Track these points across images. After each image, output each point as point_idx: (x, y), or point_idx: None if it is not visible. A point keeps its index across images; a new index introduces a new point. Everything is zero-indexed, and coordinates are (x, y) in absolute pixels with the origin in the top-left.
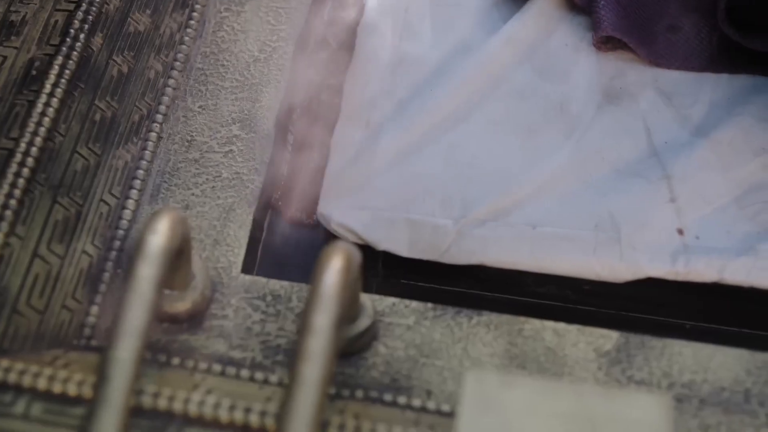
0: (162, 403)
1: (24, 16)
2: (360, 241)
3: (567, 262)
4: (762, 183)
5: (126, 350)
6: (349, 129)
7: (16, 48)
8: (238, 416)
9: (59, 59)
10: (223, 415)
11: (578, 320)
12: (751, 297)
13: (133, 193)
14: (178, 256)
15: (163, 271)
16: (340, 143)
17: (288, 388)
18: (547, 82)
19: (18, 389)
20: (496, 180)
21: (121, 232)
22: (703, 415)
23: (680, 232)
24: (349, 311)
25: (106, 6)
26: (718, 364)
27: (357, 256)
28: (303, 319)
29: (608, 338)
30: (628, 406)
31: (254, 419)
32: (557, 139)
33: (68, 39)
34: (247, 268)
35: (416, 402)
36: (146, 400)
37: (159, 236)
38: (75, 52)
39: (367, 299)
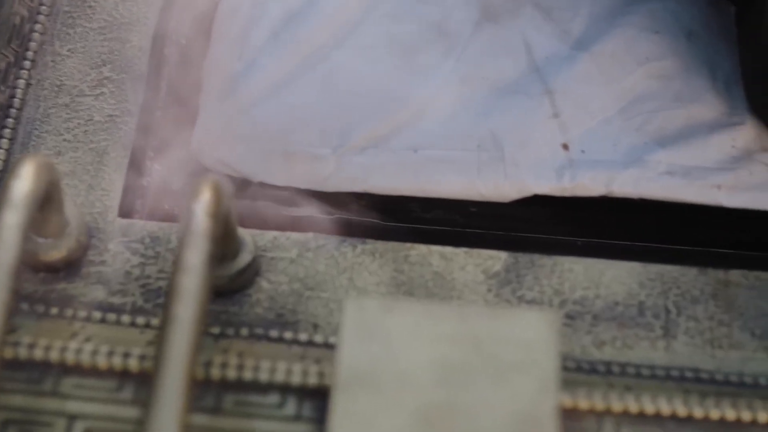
0: (38, 354)
1: None
2: (236, 175)
3: (451, 184)
4: (646, 93)
5: None
6: (221, 63)
7: None
8: (117, 362)
9: None
10: (102, 362)
11: (467, 244)
12: (641, 209)
13: (3, 142)
14: (48, 203)
15: (28, 217)
16: (213, 77)
17: (162, 328)
18: (423, 2)
19: None
20: (374, 106)
21: None
22: (597, 331)
23: (565, 147)
24: (226, 247)
25: None
26: (610, 278)
27: (227, 189)
28: (175, 258)
29: (497, 259)
30: (514, 324)
31: (133, 364)
32: (435, 60)
33: None
34: (124, 212)
35: (303, 336)
36: (22, 352)
37: (23, 181)
38: None
39: (247, 234)
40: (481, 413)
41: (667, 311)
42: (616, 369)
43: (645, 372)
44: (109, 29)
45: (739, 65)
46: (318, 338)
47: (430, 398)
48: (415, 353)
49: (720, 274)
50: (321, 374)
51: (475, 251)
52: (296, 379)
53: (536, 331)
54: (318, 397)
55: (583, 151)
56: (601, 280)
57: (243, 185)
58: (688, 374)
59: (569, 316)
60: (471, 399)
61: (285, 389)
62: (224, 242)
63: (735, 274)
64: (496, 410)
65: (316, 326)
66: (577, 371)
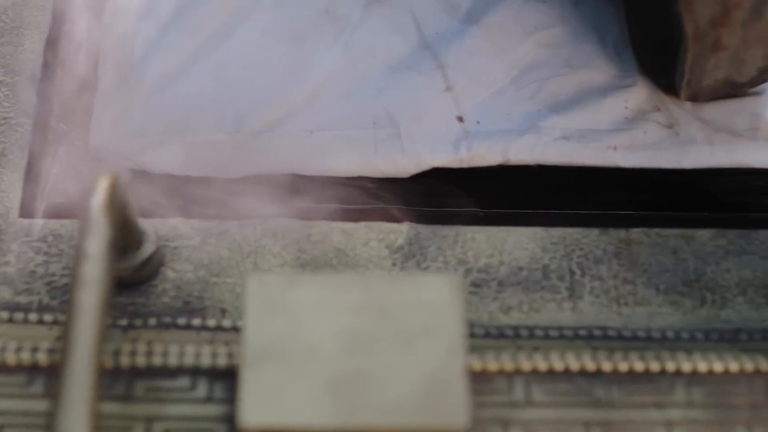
0: None
1: None
2: (135, 166)
3: (348, 162)
4: (537, 62)
5: None
6: (114, 58)
7: None
8: (26, 357)
9: None
10: (10, 358)
11: (368, 219)
12: (539, 177)
13: None
14: None
15: None
16: (107, 73)
17: (67, 318)
18: None
19: None
20: (268, 91)
21: None
22: (503, 297)
23: (460, 119)
24: (127, 238)
25: None
26: (513, 244)
27: (122, 180)
28: (75, 249)
29: (398, 232)
30: (418, 289)
31: (42, 358)
32: (327, 43)
33: None
34: (25, 212)
35: (211, 322)
36: None
37: None
38: None
39: (148, 225)
40: (390, 378)
41: (572, 273)
42: (524, 332)
43: (553, 333)
44: (0, 34)
45: (626, 28)
46: (226, 323)
47: (338, 367)
48: (322, 324)
49: (621, 233)
50: (230, 355)
51: (376, 225)
52: (206, 362)
53: (440, 294)
54: (228, 378)
55: (478, 123)
56: (504, 247)
57: (142, 176)
58: (597, 332)
59: (475, 284)
60: (379, 365)
61: (195, 372)
62: (124, 233)
63: (636, 233)
64: (404, 375)
65: (223, 311)
66: (485, 337)
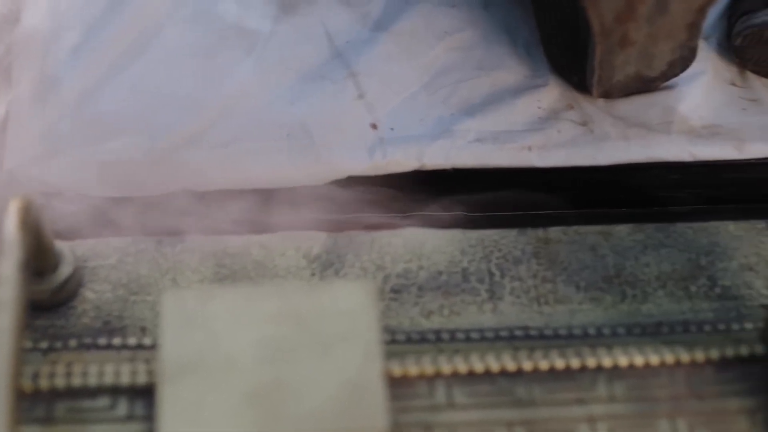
0: None
1: None
2: (52, 189)
3: (264, 174)
4: (448, 66)
5: None
6: (26, 82)
7: None
8: None
9: None
10: None
11: (284, 229)
12: (454, 180)
13: None
14: None
15: None
16: (20, 97)
17: None
18: (220, 2)
19: None
20: (182, 107)
21: None
22: (423, 302)
23: (374, 126)
24: (43, 261)
25: None
26: (432, 248)
27: (35, 202)
28: None
29: (315, 240)
30: (333, 297)
31: None
32: (238, 57)
33: None
34: None
35: (131, 340)
36: None
37: None
38: None
39: (65, 247)
40: (309, 387)
41: (491, 274)
42: (445, 336)
43: (474, 336)
44: None
45: (536, 28)
46: (147, 341)
47: (257, 378)
48: (239, 336)
49: (539, 232)
50: (150, 372)
51: (293, 234)
52: (125, 380)
53: (355, 301)
54: (149, 395)
55: (392, 129)
56: (423, 251)
57: (57, 196)
58: (518, 333)
59: (395, 290)
60: (298, 374)
61: (115, 391)
62: (39, 256)
63: (554, 231)
64: (323, 382)
65: (144, 329)
66: (407, 343)
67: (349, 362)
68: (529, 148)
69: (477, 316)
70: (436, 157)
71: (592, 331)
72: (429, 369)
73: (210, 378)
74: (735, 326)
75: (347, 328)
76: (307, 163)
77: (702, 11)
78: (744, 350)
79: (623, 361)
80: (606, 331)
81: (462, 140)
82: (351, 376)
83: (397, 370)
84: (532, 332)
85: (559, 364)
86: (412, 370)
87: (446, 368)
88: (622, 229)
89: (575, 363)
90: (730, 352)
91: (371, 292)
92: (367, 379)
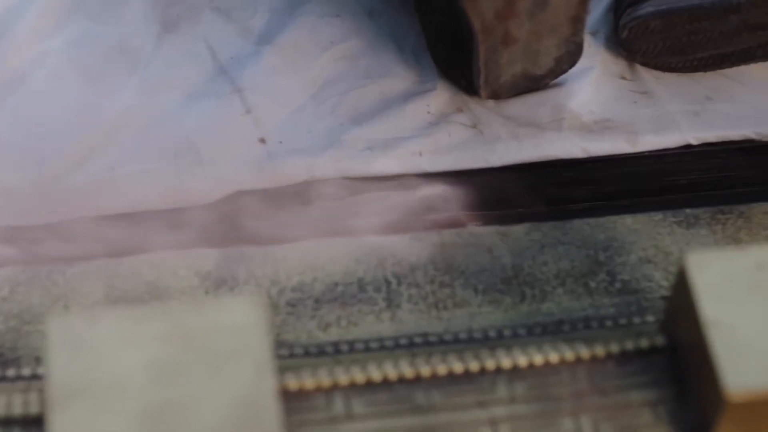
0: None
1: None
2: None
3: (152, 195)
4: (335, 76)
5: None
6: None
7: None
8: None
9: None
10: None
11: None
12: (346, 189)
13: None
14: None
15: None
16: None
17: None
18: (102, 25)
19: None
20: (66, 132)
21: None
22: (320, 314)
23: (262, 141)
24: None
25: None
26: (326, 260)
27: None
28: None
29: (207, 258)
30: (221, 313)
31: None
32: (122, 78)
33: None
34: None
35: (26, 371)
36: None
37: None
38: None
39: None
40: (201, 406)
41: (388, 283)
42: (344, 348)
43: (374, 345)
44: None
45: (422, 34)
46: (42, 370)
47: (148, 400)
48: (128, 358)
49: (434, 236)
50: (43, 401)
51: (183, 252)
52: (18, 411)
53: (244, 316)
54: (41, 424)
55: (280, 142)
56: (317, 263)
57: None
58: (418, 340)
59: (290, 304)
60: (189, 394)
61: (8, 422)
62: None
63: (449, 234)
64: (215, 400)
65: (38, 359)
66: (306, 356)
67: (240, 379)
68: (420, 154)
69: (375, 325)
70: (326, 168)
71: (492, 333)
72: (326, 381)
73: (99, 402)
74: (636, 320)
75: (237, 344)
76: (195, 181)
77: (583, 4)
78: (644, 343)
79: (523, 361)
80: (507, 332)
81: (352, 149)
82: (243, 393)
83: (292, 383)
84: (432, 338)
85: (458, 367)
86: (309, 383)
87: (343, 379)
88: (518, 229)
89: (474, 366)
90: (630, 345)
91: (260, 305)
92: (260, 396)
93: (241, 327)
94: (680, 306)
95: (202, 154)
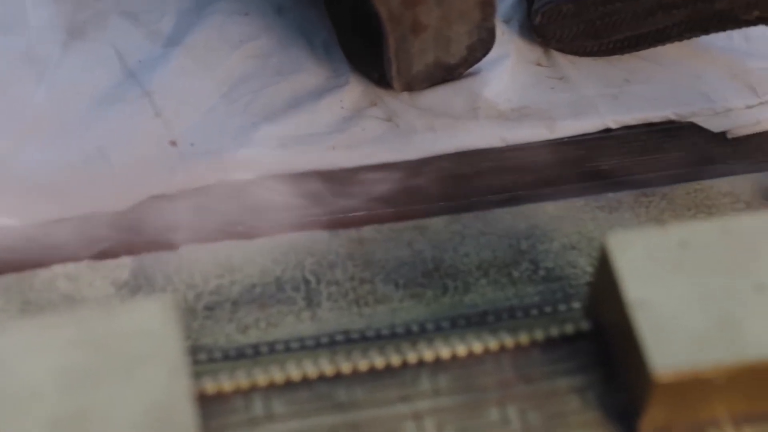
0: None
1: None
2: None
3: (63, 204)
4: (246, 75)
5: None
6: None
7: None
8: None
9: None
10: None
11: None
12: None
13: None
14: None
15: None
16: None
17: None
18: (7, 34)
19: None
20: None
21: None
22: (239, 317)
23: (173, 143)
24: None
25: None
26: (242, 261)
27: None
28: None
29: (122, 266)
30: (132, 317)
31: None
32: (29, 87)
33: None
34: None
35: None
36: None
37: None
38: None
39: None
40: (114, 412)
41: (306, 281)
42: (264, 349)
43: (294, 345)
44: None
45: (332, 29)
46: None
47: (59, 407)
48: (38, 366)
49: (352, 233)
50: None
51: (100, 264)
52: None
53: (155, 319)
54: None
55: (192, 144)
56: (233, 264)
57: None
58: (339, 338)
59: (208, 308)
60: (101, 400)
61: None
62: None
63: (368, 230)
64: (128, 406)
65: None
66: (224, 360)
67: (153, 383)
68: (334, 148)
69: (296, 325)
70: (240, 167)
71: (415, 327)
72: (244, 383)
73: (10, 411)
74: (562, 307)
75: (149, 348)
76: (106, 188)
77: None
78: (569, 328)
79: (445, 353)
80: (430, 326)
81: (265, 148)
82: (156, 398)
83: (210, 387)
84: (354, 335)
85: (379, 362)
86: (226, 385)
87: (262, 379)
88: (437, 222)
89: (396, 360)
90: (555, 331)
91: (170, 307)
92: (173, 398)
93: (151, 331)
94: (603, 288)
95: (113, 161)
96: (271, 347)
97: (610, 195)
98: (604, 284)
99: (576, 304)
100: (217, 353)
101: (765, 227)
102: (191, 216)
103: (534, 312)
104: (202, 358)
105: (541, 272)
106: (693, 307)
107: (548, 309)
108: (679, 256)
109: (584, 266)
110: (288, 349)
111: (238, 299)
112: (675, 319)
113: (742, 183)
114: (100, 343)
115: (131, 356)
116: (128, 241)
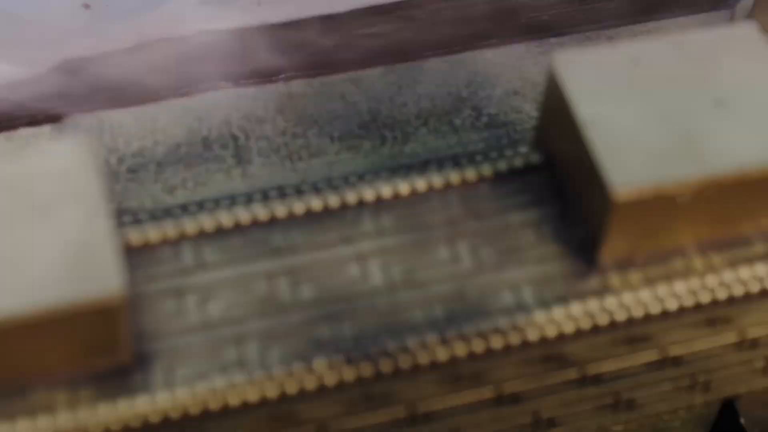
0: None
1: None
2: None
3: None
4: None
5: None
6: None
7: None
8: None
9: None
10: None
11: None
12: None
13: None
14: None
15: None
16: None
17: None
18: None
19: None
20: None
21: None
22: (164, 178)
23: (86, 6)
24: None
25: None
26: (166, 121)
27: None
28: None
29: (40, 132)
30: (44, 159)
31: None
32: None
33: None
34: None
35: None
36: None
37: None
38: None
39: None
40: (30, 253)
41: (235, 138)
42: (193, 209)
43: (225, 203)
44: None
45: None
46: None
47: None
48: None
49: (281, 87)
50: None
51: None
52: None
53: (69, 160)
54: None
55: (106, 6)
56: (157, 126)
57: None
58: (273, 194)
59: (132, 170)
60: (14, 244)
61: None
62: None
63: (297, 84)
64: (45, 247)
65: None
66: (151, 221)
67: (71, 222)
68: (259, 4)
69: (226, 183)
70: (160, 26)
71: (353, 179)
72: (172, 232)
73: None
74: (508, 152)
75: (65, 189)
76: (18, 53)
77: None
78: (518, 161)
79: (387, 192)
80: (369, 177)
81: (185, 5)
82: (76, 236)
83: (135, 238)
84: (289, 191)
85: (317, 205)
86: (153, 235)
87: (191, 228)
88: (371, 73)
89: (334, 202)
90: (503, 166)
91: (86, 147)
92: (93, 238)
93: (67, 171)
94: (553, 112)
95: (24, 25)
96: (200, 206)
97: (553, 40)
98: (554, 108)
99: (523, 149)
100: (144, 215)
101: (721, 41)
102: (109, 80)
103: (479, 158)
104: (128, 220)
105: (484, 119)
106: (651, 124)
107: (494, 155)
108: (633, 73)
109: (529, 111)
110: (218, 207)
111: (162, 160)
112: (633, 137)
113: (691, 24)
114: (11, 186)
115: (46, 197)
116: (44, 108)
